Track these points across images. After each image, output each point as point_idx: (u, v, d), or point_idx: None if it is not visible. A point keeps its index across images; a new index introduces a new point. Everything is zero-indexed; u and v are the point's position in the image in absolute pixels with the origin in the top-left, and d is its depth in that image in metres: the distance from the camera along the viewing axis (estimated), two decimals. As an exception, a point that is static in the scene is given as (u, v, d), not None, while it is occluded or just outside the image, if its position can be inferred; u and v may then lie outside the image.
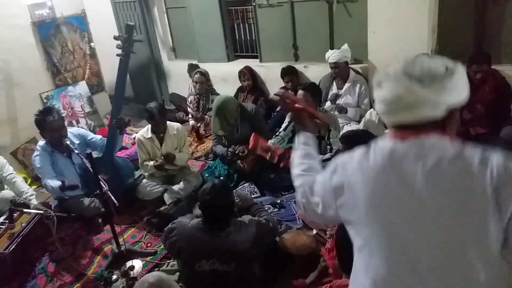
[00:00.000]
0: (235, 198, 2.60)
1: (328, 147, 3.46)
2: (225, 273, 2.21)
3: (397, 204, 1.13)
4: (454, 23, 3.97)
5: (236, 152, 3.65)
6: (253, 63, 5.25)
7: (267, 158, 3.24)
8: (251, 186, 3.68)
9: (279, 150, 3.25)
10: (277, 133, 3.72)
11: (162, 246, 3.07)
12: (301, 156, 1.48)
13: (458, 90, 1.14)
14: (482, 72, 3.50)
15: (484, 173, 1.06)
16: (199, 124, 4.85)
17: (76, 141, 3.43)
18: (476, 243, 1.07)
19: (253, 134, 3.30)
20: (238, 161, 3.71)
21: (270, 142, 3.57)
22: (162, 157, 3.53)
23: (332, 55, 4.14)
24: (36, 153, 3.34)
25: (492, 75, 3.61)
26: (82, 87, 5.30)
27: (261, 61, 5.30)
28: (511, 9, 3.72)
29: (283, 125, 3.73)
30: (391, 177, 1.13)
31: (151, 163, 3.60)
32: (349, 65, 4.28)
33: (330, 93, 4.31)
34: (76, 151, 3.10)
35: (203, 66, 5.40)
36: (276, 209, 3.33)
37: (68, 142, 3.22)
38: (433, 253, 1.09)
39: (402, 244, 1.13)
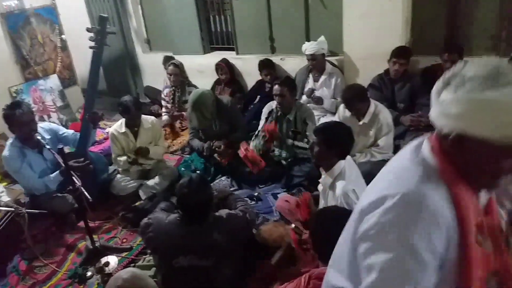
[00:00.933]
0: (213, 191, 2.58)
1: (305, 139, 3.47)
2: (203, 268, 2.19)
3: None
4: (427, 16, 4.03)
5: (213, 148, 3.65)
6: (229, 56, 5.21)
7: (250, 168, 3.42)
8: (228, 180, 3.68)
9: (262, 164, 3.41)
10: (257, 133, 3.71)
11: (138, 242, 3.03)
12: None
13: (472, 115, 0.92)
14: (456, 62, 3.57)
15: None
16: (175, 121, 4.79)
17: (47, 136, 3.33)
18: None
19: (243, 143, 3.49)
20: (216, 155, 3.70)
21: (251, 145, 3.62)
22: (134, 152, 3.48)
23: (309, 47, 4.14)
24: (5, 152, 3.21)
25: (464, 66, 3.69)
26: (53, 81, 5.16)
27: (237, 53, 5.27)
28: (481, 2, 3.79)
29: (261, 123, 3.73)
30: None
31: (123, 158, 3.54)
32: (325, 58, 4.30)
33: (307, 86, 4.33)
34: (48, 147, 3.02)
35: (179, 58, 5.33)
36: (253, 202, 3.33)
37: (39, 137, 3.13)
38: None
39: None
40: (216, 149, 3.64)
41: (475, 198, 1.05)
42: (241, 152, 3.45)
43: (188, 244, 2.21)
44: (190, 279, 2.21)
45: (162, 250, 2.28)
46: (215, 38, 5.57)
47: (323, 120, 4.08)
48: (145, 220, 2.40)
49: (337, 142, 2.33)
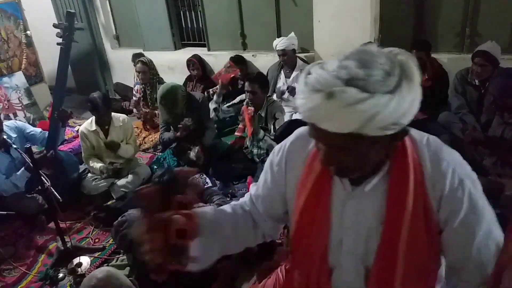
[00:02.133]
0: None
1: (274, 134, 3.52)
2: None
3: None
4: (395, 13, 4.14)
5: (195, 158, 3.62)
6: (201, 52, 5.19)
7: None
8: (203, 177, 3.66)
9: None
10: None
11: (110, 241, 2.99)
12: None
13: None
14: (421, 59, 3.69)
15: None
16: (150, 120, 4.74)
17: (13, 135, 3.23)
18: None
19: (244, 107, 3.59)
20: (192, 153, 3.68)
21: None
22: (104, 146, 3.46)
23: (280, 42, 4.18)
24: None
25: (431, 62, 3.81)
26: (18, 78, 5.01)
27: (209, 49, 5.26)
28: (447, 0, 3.92)
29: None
30: None
31: (98, 166, 3.48)
32: (296, 54, 4.34)
33: (279, 82, 4.36)
34: (14, 146, 2.93)
35: (149, 54, 5.27)
36: (228, 199, 3.34)
37: (5, 136, 3.04)
38: None
39: None
40: (187, 124, 3.60)
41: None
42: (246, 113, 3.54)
43: None
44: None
45: (136, 246, 2.26)
46: (186, 35, 5.54)
47: (295, 116, 4.13)
48: (119, 219, 2.37)
49: None
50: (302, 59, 4.39)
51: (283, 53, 4.21)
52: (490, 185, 2.85)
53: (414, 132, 1.05)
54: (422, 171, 1.03)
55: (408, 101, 0.87)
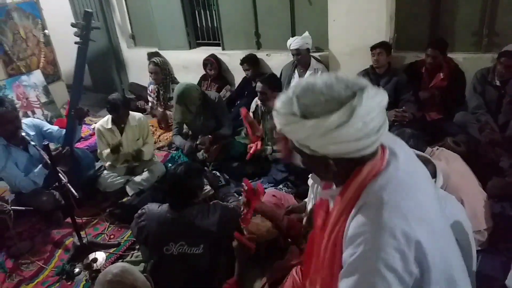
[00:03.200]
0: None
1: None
2: (193, 256, 2.22)
3: None
4: (411, 12, 4.09)
5: (197, 144, 3.65)
6: (215, 51, 5.21)
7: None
8: (217, 176, 3.68)
9: (260, 131, 3.53)
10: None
11: (126, 238, 3.03)
12: None
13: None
14: (437, 57, 3.65)
15: None
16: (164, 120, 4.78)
17: (31, 132, 3.29)
18: None
19: (243, 108, 3.52)
20: (202, 152, 3.71)
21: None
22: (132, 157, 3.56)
23: (294, 42, 4.18)
24: None
25: (447, 62, 3.76)
26: (37, 76, 5.09)
27: (223, 49, 5.27)
28: (463, -1, 3.87)
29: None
30: None
31: (107, 150, 3.53)
32: (310, 53, 4.33)
33: (293, 82, 4.35)
34: (33, 143, 2.98)
35: (164, 54, 5.31)
36: (240, 197, 3.34)
37: (23, 134, 3.09)
38: None
39: None
40: (199, 146, 3.64)
41: None
42: (243, 112, 3.48)
43: (178, 231, 2.23)
44: (181, 267, 2.23)
45: (153, 238, 2.29)
46: (201, 34, 5.56)
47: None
48: (139, 211, 2.42)
49: None
50: (316, 59, 4.37)
51: (297, 52, 4.20)
52: (506, 186, 2.81)
53: (382, 179, 1.05)
54: (349, 212, 1.08)
55: (327, 132, 0.96)
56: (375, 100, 0.97)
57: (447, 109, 3.73)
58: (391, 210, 0.99)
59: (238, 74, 5.01)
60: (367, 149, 1.00)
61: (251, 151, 3.51)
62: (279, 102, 1.03)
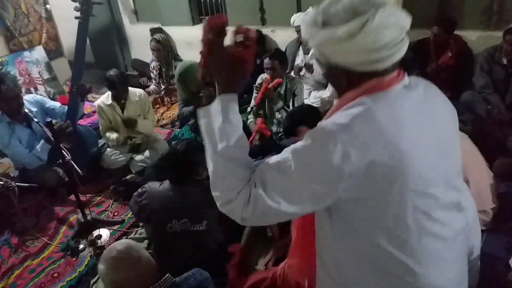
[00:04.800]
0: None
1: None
2: (196, 233, 2.22)
3: None
4: (419, -12, 3.99)
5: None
6: (219, 27, 5.11)
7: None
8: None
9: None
10: (251, 108, 3.71)
11: (129, 215, 3.04)
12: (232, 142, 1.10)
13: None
14: (442, 36, 3.57)
15: None
16: (163, 92, 4.72)
17: (34, 109, 3.27)
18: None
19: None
20: None
21: (249, 120, 3.69)
22: (122, 124, 3.47)
23: (297, 18, 4.09)
24: None
25: (455, 40, 3.68)
26: (39, 52, 5.04)
27: (227, 25, 5.16)
28: (474, -25, 3.76)
29: (254, 96, 3.70)
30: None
31: (114, 136, 3.51)
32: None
33: (297, 59, 4.29)
34: (36, 120, 2.97)
35: (167, 29, 5.22)
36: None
37: (26, 111, 3.08)
38: None
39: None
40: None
41: None
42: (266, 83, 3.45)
43: (181, 208, 2.23)
44: (184, 244, 2.24)
45: (156, 216, 2.29)
46: (204, 9, 5.45)
47: (314, 94, 4.08)
48: (138, 190, 2.41)
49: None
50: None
51: (300, 29, 4.11)
52: (513, 166, 2.79)
53: (375, 97, 1.04)
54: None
55: (339, 41, 0.99)
56: (390, 18, 0.98)
57: (454, 88, 3.67)
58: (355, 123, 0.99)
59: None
60: (377, 64, 1.01)
61: (255, 129, 3.47)
62: (308, 14, 1.10)
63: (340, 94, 1.14)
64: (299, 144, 1.06)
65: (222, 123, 1.09)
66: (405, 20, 1.03)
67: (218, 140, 1.09)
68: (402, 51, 1.03)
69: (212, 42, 1.15)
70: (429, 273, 1.09)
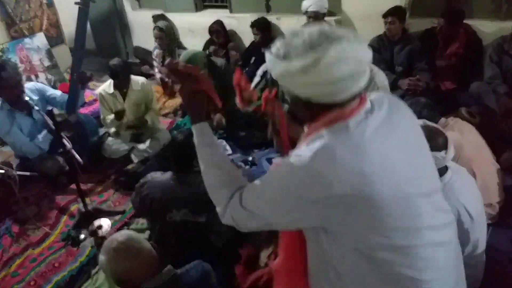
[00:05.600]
0: None
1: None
2: (197, 224, 2.20)
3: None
4: (428, -24, 3.91)
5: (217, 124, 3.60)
6: (223, 14, 5.04)
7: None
8: (223, 144, 3.64)
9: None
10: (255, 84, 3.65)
11: (130, 205, 3.02)
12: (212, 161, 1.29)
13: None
14: (452, 28, 3.52)
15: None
16: (168, 79, 4.67)
17: (35, 97, 3.24)
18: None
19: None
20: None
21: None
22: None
23: (313, 3, 3.94)
24: None
25: (464, 29, 3.62)
26: (40, 39, 4.98)
27: (231, 11, 5.09)
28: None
29: (255, 79, 3.63)
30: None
31: (111, 116, 3.47)
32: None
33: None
34: (37, 108, 2.94)
35: (170, 16, 5.15)
36: (247, 167, 3.32)
37: (27, 98, 3.04)
38: None
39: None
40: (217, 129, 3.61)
41: None
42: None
43: (182, 198, 2.21)
44: (184, 235, 2.23)
45: (157, 205, 2.27)
46: (207, -5, 5.36)
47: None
48: (140, 180, 2.39)
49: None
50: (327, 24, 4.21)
51: (314, 15, 3.99)
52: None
53: (338, 126, 1.07)
54: None
55: (295, 74, 1.03)
56: (346, 52, 1.00)
57: (463, 79, 3.61)
58: (325, 153, 1.03)
59: (247, 39, 4.85)
60: (334, 96, 1.04)
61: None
62: (275, 44, 1.10)
63: (305, 124, 1.21)
64: (275, 170, 1.17)
65: (198, 147, 1.29)
66: (365, 53, 1.05)
67: (200, 161, 1.30)
68: (361, 82, 1.04)
69: (180, 86, 1.32)
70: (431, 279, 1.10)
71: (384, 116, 1.10)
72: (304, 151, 1.05)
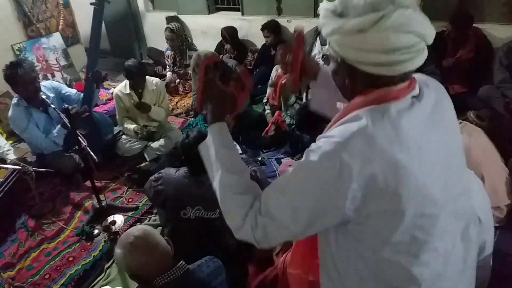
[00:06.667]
0: None
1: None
2: (210, 220, 2.24)
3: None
4: (439, -22, 3.92)
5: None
6: (235, 16, 5.09)
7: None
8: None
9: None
10: (267, 99, 3.72)
11: (143, 202, 3.08)
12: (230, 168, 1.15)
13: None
14: (461, 32, 3.51)
15: None
16: (178, 81, 4.74)
17: (51, 95, 3.31)
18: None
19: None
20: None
21: (266, 111, 3.73)
22: (136, 107, 3.52)
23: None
24: (11, 112, 3.20)
25: (474, 33, 3.61)
26: (56, 39, 5.08)
27: (243, 14, 5.15)
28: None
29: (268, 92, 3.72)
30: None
31: (132, 127, 3.55)
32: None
33: (314, 50, 4.25)
34: (53, 106, 3.01)
35: (183, 18, 5.22)
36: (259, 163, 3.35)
37: (43, 96, 3.11)
38: None
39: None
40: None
41: None
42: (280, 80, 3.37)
43: (195, 195, 2.24)
44: (198, 231, 2.26)
45: (171, 202, 2.32)
46: (220, -2, 5.42)
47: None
48: (155, 174, 2.42)
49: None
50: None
51: None
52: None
53: (382, 109, 0.97)
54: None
55: (348, 33, 0.94)
56: (409, 22, 0.91)
57: (472, 83, 3.61)
58: (363, 135, 0.94)
59: (258, 41, 4.90)
60: (383, 68, 0.94)
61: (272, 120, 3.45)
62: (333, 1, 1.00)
63: (344, 96, 1.11)
64: (298, 163, 1.05)
65: (217, 149, 1.16)
66: (430, 30, 0.95)
67: (215, 169, 1.16)
68: (417, 61, 0.95)
69: (206, 80, 1.26)
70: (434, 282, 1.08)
71: (431, 108, 1.01)
72: (338, 132, 0.97)
